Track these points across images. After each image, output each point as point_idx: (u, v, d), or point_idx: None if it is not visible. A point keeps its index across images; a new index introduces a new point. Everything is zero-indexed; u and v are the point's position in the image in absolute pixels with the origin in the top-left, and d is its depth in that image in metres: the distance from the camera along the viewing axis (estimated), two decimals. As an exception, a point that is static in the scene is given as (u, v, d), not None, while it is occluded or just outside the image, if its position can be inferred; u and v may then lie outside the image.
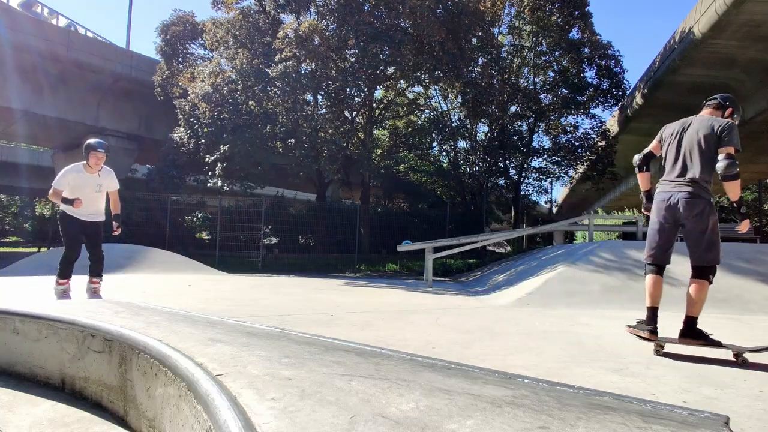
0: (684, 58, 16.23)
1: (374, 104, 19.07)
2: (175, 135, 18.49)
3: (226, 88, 15.97)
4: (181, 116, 17.74)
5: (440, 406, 1.04)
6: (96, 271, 5.22)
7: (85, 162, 4.94)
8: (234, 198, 20.28)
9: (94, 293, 5.14)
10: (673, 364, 2.76)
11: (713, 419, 1.09)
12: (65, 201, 4.81)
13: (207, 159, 16.60)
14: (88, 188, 4.96)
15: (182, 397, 1.18)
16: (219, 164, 16.55)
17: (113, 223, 5.29)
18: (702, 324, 3.34)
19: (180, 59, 20.86)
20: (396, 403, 1.04)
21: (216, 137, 16.23)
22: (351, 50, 16.27)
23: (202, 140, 16.87)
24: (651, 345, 3.35)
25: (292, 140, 16.00)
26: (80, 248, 5.08)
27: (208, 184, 19.45)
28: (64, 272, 5.07)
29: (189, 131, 17.60)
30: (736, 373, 2.55)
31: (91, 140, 5.07)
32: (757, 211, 14.00)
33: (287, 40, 14.63)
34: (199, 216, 21.72)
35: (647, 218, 3.53)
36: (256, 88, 15.85)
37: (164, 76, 20.00)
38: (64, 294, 5.05)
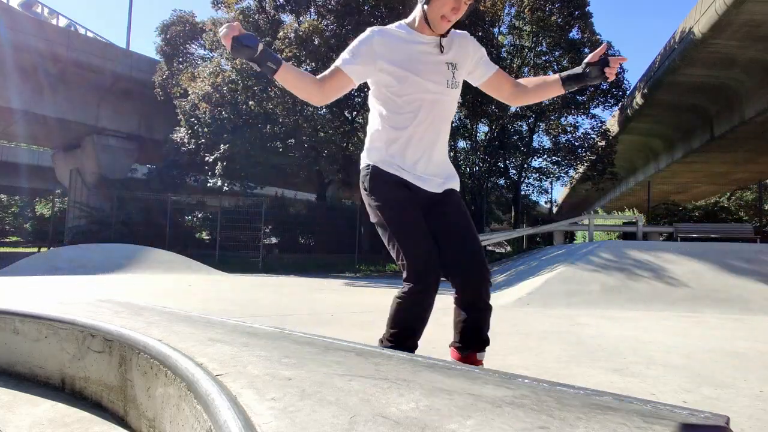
0: (684, 58, 16.23)
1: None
2: (175, 135, 18.51)
3: (226, 88, 15.98)
4: (181, 116, 17.75)
5: (440, 406, 1.04)
6: (477, 329, 2.05)
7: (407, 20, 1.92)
8: (234, 198, 20.29)
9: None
10: (673, 364, 2.76)
11: (714, 419, 1.09)
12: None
13: (207, 158, 16.61)
14: (429, 78, 1.82)
15: (182, 397, 1.18)
16: (219, 164, 16.55)
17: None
18: (703, 324, 3.34)
19: (180, 59, 20.87)
20: (396, 403, 1.04)
21: (216, 137, 16.25)
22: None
23: (202, 140, 16.88)
24: (651, 345, 3.35)
25: (292, 140, 16.01)
26: (432, 252, 1.88)
27: (209, 184, 19.46)
28: (397, 341, 1.98)
29: (189, 131, 17.61)
30: (737, 374, 2.55)
31: None
32: (757, 212, 13.99)
33: (287, 40, 14.64)
34: (199, 216, 21.73)
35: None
36: (256, 88, 15.85)
37: (164, 76, 20.01)
38: None
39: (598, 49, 1.74)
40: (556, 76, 1.86)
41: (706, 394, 2.14)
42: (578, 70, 1.78)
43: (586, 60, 1.77)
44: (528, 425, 0.95)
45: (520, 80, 1.98)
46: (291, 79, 1.77)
